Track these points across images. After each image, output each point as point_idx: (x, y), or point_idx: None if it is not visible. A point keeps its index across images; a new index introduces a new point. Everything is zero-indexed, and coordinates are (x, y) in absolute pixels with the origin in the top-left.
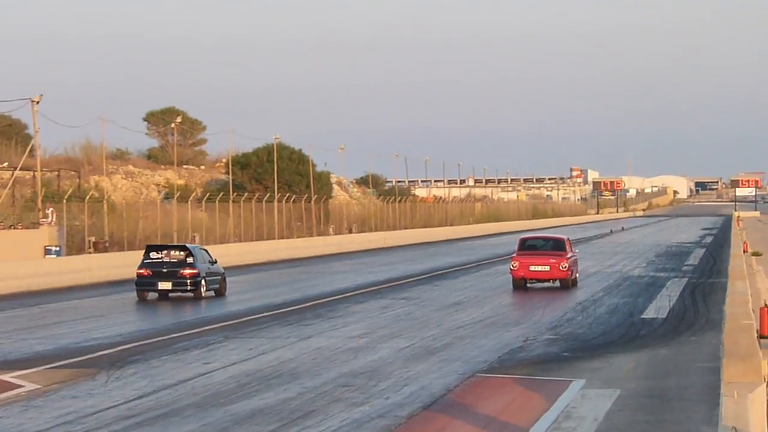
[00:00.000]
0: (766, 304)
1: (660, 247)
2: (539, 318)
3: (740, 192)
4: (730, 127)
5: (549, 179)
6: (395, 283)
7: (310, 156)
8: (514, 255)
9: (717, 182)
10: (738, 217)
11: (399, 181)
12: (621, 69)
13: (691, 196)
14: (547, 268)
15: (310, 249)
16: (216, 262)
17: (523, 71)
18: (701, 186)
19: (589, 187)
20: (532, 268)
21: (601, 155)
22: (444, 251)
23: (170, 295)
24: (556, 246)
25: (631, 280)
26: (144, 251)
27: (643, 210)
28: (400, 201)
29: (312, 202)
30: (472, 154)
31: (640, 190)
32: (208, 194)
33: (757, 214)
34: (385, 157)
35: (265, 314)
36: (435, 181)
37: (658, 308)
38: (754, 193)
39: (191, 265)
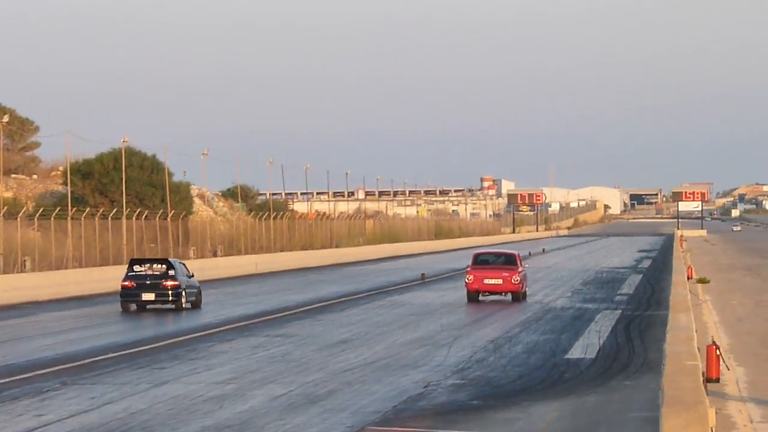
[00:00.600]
0: (714, 342)
1: (588, 273)
2: (443, 359)
3: (683, 207)
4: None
5: (455, 191)
6: (269, 317)
7: (166, 163)
8: (469, 269)
9: (656, 195)
10: (681, 236)
11: (274, 194)
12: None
13: (625, 211)
14: (500, 281)
15: None
16: (193, 275)
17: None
18: (637, 199)
19: (503, 201)
20: (486, 281)
21: (518, 163)
22: (328, 278)
23: (149, 306)
24: (508, 261)
25: (554, 312)
26: (128, 265)
27: (568, 228)
28: (275, 218)
29: (168, 219)
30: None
31: (564, 205)
32: (41, 209)
33: (703, 233)
34: (257, 164)
35: (110, 355)
36: (318, 193)
37: (585, 346)
38: (699, 208)
39: (173, 278)
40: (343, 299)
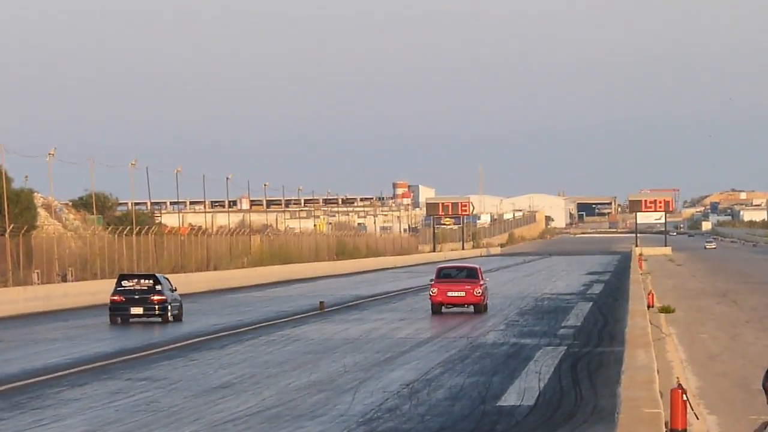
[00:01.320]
0: (680, 385)
1: (526, 300)
2: (347, 407)
3: (643, 218)
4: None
5: (362, 200)
6: (131, 355)
7: (3, 166)
8: (432, 282)
9: (609, 204)
10: (640, 255)
11: (137, 204)
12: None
13: (572, 224)
14: (462, 293)
15: (3, 305)
16: (175, 289)
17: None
18: (586, 209)
19: (421, 212)
20: (449, 293)
21: (440, 166)
22: (204, 308)
23: (132, 320)
24: (470, 274)
25: (484, 349)
26: (116, 279)
27: (502, 246)
28: (138, 233)
29: (6, 235)
30: (246, 165)
31: (496, 217)
32: None
33: (667, 250)
34: (116, 168)
35: None
36: (192, 203)
37: (522, 391)
38: (662, 221)
39: (160, 292)
40: (223, 334)
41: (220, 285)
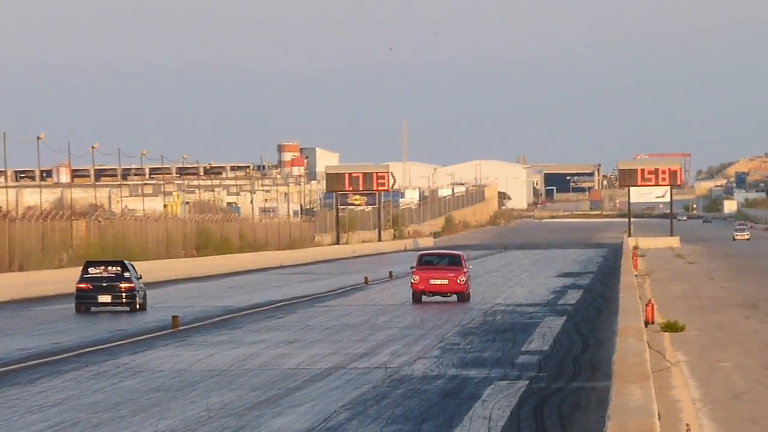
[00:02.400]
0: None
1: (470, 313)
2: None
3: (639, 196)
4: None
5: (235, 170)
6: None
7: None
8: (414, 269)
9: (591, 175)
10: (635, 248)
11: None
12: None
13: (538, 204)
14: (445, 281)
15: None
16: (141, 276)
17: None
18: (558, 183)
19: (319, 187)
20: (431, 281)
21: (347, 123)
22: (6, 325)
23: (99, 308)
24: (453, 261)
25: (410, 384)
26: (82, 267)
27: (435, 235)
28: None
29: None
30: (65, 121)
31: (428, 193)
32: None
33: (673, 241)
34: None
35: None
36: None
37: None
38: (667, 199)
39: (128, 280)
40: (33, 363)
41: (28, 293)
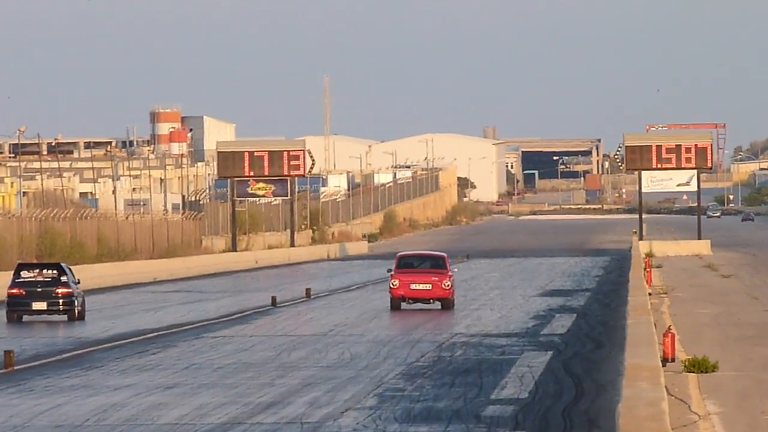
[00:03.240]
0: None
1: (419, 346)
2: None
3: (654, 183)
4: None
5: (91, 146)
6: None
7: None
8: (393, 273)
9: (588, 154)
10: (649, 256)
11: None
12: None
13: (513, 194)
14: (429, 286)
15: None
16: (79, 281)
17: None
18: (541, 165)
19: (208, 171)
20: (412, 286)
21: (246, 85)
22: None
23: (29, 318)
24: (436, 264)
25: None
26: (14, 270)
27: (370, 238)
28: None
29: None
30: None
31: (360, 179)
32: None
33: (703, 246)
34: None
35: None
36: None
37: None
38: (694, 187)
39: (65, 284)
40: None
41: None
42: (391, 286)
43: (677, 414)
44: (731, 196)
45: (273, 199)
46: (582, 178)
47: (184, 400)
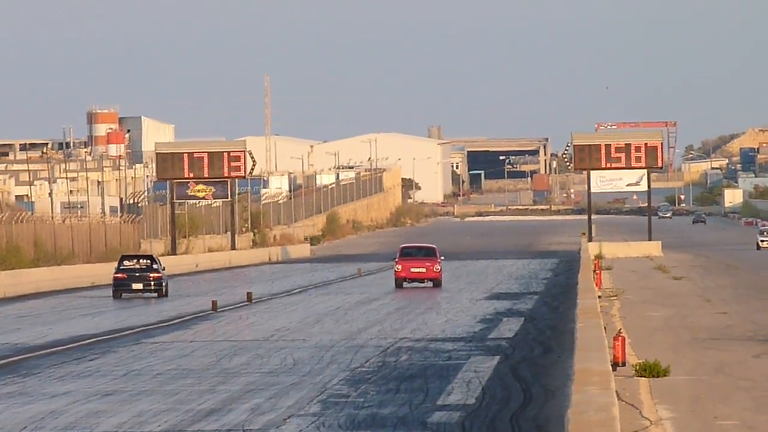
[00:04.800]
0: None
1: (363, 351)
2: None
3: (604, 183)
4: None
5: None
6: None
7: None
8: (397, 260)
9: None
10: (598, 258)
11: None
12: None
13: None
14: (423, 269)
15: None
16: (165, 268)
17: None
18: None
19: (147, 173)
20: (412, 269)
21: (186, 85)
22: None
23: (128, 295)
24: (428, 253)
25: None
26: (119, 260)
27: (313, 241)
28: None
29: None
30: None
31: (302, 180)
32: None
33: (654, 248)
34: None
35: None
36: None
37: None
38: (644, 186)
39: (156, 270)
40: None
41: None
42: (396, 269)
43: (628, 419)
44: (682, 196)
45: (213, 201)
46: (529, 179)
47: (123, 408)
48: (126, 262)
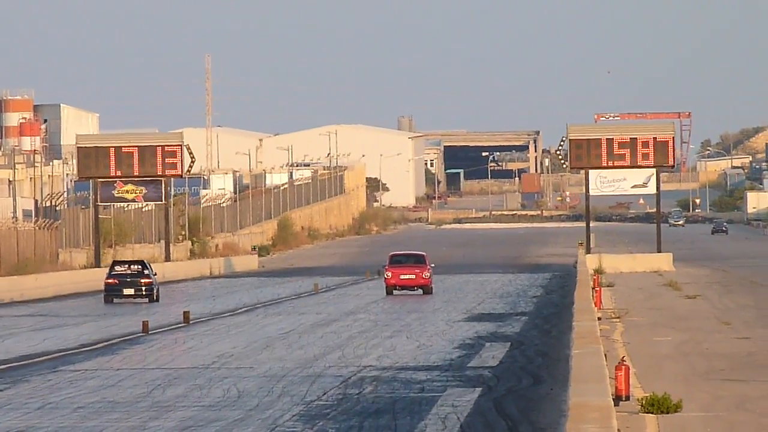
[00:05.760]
0: None
1: (320, 381)
2: None
3: (605, 185)
4: None
5: None
6: None
7: None
8: (387, 267)
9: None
10: (598, 273)
11: None
12: None
13: (434, 198)
14: (413, 276)
15: None
16: (156, 274)
17: None
18: (468, 163)
19: (66, 170)
20: (401, 276)
21: (108, 69)
22: None
23: (120, 300)
24: (418, 260)
25: None
26: (110, 265)
27: (262, 251)
28: None
29: None
30: None
31: (249, 180)
32: None
33: (663, 261)
34: None
35: None
36: None
37: None
38: (652, 189)
39: (147, 276)
40: None
41: None
42: (386, 276)
43: None
44: (697, 200)
45: (144, 204)
46: (517, 179)
47: None
48: (117, 268)
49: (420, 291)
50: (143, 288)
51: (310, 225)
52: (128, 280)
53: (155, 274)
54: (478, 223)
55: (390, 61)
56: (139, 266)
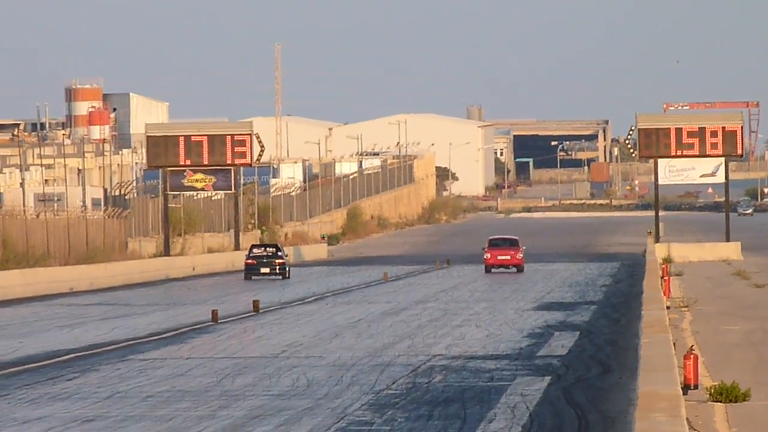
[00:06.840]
0: None
1: (389, 370)
2: None
3: (673, 175)
4: None
5: None
6: None
7: None
8: (486, 249)
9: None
10: (666, 262)
11: None
12: None
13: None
14: (508, 257)
15: None
16: (287, 255)
17: None
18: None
19: (136, 160)
20: (499, 257)
21: (177, 58)
22: None
23: (266, 277)
24: (512, 243)
25: None
26: (249, 248)
27: (331, 240)
28: None
29: None
30: None
31: (318, 170)
32: None
33: (732, 250)
34: None
35: None
36: None
37: None
38: (720, 178)
39: (281, 257)
40: None
41: None
42: (485, 257)
43: None
44: (766, 190)
45: (213, 193)
46: (586, 168)
47: None
48: (255, 250)
49: (514, 269)
50: (277, 267)
51: (380, 214)
52: (264, 260)
53: (287, 256)
54: (547, 212)
55: (460, 51)
56: (274, 248)
